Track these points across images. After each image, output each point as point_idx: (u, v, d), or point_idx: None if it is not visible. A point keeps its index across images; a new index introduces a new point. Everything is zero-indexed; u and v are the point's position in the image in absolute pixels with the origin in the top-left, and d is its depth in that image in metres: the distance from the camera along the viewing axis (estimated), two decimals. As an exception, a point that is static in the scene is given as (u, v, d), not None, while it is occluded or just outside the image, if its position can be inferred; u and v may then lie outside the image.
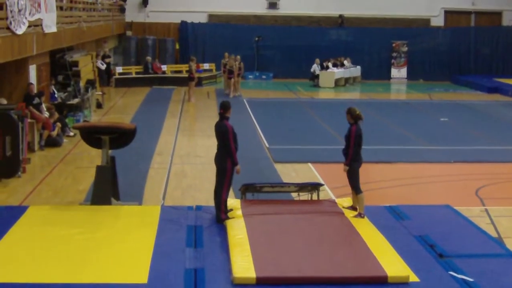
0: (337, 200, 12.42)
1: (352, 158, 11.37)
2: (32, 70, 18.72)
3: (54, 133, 18.13)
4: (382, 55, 38.70)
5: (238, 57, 30.60)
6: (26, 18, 16.08)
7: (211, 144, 18.00)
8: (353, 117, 11.42)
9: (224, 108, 11.40)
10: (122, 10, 35.87)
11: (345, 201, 12.18)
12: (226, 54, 30.99)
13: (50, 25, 18.67)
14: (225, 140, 11.20)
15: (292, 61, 37.90)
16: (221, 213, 11.27)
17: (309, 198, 12.68)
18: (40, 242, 10.10)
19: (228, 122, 11.32)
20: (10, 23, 14.90)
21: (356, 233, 10.60)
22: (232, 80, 29.58)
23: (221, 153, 11.32)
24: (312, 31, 38.46)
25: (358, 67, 37.30)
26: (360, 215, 11.39)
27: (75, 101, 21.85)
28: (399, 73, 38.64)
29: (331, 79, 34.40)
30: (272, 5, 38.62)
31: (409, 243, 10.42)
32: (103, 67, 28.39)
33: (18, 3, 15.36)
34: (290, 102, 28.97)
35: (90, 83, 24.72)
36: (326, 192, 13.42)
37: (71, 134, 19.27)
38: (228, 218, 11.22)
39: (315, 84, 34.67)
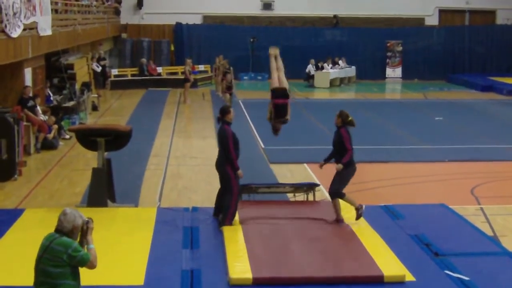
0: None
1: (348, 162, 11.00)
2: (28, 73, 18.72)
3: (50, 135, 18.13)
4: (377, 55, 38.72)
5: (226, 60, 29.70)
6: (21, 21, 16.09)
7: (207, 145, 18.10)
8: (344, 122, 11.06)
9: (222, 112, 11.10)
10: (117, 12, 35.87)
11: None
12: (218, 58, 30.45)
13: (45, 28, 18.68)
14: (224, 146, 10.92)
15: (287, 62, 37.49)
16: (226, 220, 10.81)
17: (305, 199, 12.72)
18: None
19: (228, 127, 10.99)
20: (5, 26, 14.90)
21: (352, 233, 10.65)
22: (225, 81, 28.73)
23: (222, 158, 11.00)
24: (306, 31, 38.49)
25: (353, 67, 37.30)
26: (360, 208, 11.10)
27: (71, 103, 21.85)
28: (394, 72, 38.68)
29: (326, 79, 34.42)
30: (267, 6, 38.63)
31: (404, 242, 10.45)
32: (99, 69, 28.35)
33: (13, 6, 15.37)
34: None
35: (86, 86, 24.71)
36: (322, 192, 13.42)
37: (67, 136, 19.28)
38: (231, 224, 10.84)
39: (310, 85, 34.70)
